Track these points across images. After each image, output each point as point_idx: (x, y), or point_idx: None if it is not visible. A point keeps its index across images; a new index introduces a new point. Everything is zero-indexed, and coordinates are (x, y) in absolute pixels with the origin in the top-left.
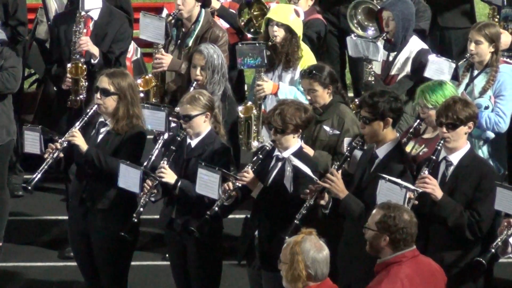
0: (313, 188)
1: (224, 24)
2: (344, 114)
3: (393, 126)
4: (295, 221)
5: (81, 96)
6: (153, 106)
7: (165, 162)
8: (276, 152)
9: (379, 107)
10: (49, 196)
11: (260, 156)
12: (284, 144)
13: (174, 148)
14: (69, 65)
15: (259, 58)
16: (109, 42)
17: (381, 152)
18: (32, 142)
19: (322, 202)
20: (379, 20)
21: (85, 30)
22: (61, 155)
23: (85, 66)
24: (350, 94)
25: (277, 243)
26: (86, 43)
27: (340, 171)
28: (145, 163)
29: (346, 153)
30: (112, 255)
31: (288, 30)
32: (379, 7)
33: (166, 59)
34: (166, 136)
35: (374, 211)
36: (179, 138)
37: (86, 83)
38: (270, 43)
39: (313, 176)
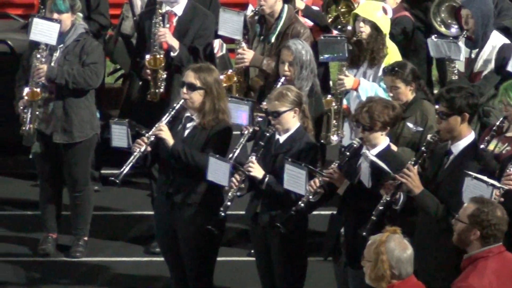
0: (391, 184)
1: (309, 23)
2: (428, 111)
3: (469, 122)
4: (372, 217)
5: (161, 89)
6: (237, 100)
7: (253, 157)
8: (364, 150)
9: (456, 102)
10: (135, 191)
11: (347, 153)
12: (372, 141)
13: (262, 143)
14: (147, 56)
15: (340, 51)
16: (191, 38)
17: (456, 148)
18: (119, 136)
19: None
20: (458, 18)
21: (168, 25)
22: (149, 149)
23: (163, 57)
24: (436, 91)
25: (364, 240)
26: (164, 35)
27: (416, 167)
28: (229, 156)
29: (422, 148)
30: (199, 250)
31: (374, 27)
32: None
33: (247, 54)
34: (251, 130)
35: (466, 204)
36: (267, 134)
37: (165, 75)
38: (355, 38)
39: (390, 171)
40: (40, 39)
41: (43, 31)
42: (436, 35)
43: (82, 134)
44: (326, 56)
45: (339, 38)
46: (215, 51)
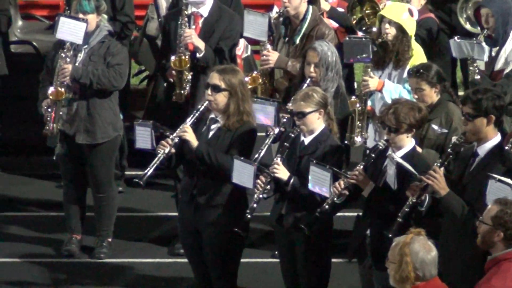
0: (416, 186)
1: (334, 24)
2: (453, 112)
3: (495, 125)
4: (398, 218)
5: (186, 90)
6: (263, 100)
7: (279, 159)
8: (390, 152)
9: (482, 104)
10: (159, 192)
11: (373, 155)
12: (398, 143)
13: (287, 145)
14: (173, 57)
15: (365, 52)
16: (216, 39)
17: (482, 150)
18: (143, 137)
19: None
20: (477, 18)
21: (193, 26)
22: (173, 150)
23: (188, 58)
24: (461, 93)
25: (389, 242)
26: (190, 36)
27: (442, 169)
28: (255, 157)
29: (448, 150)
30: (223, 252)
31: (400, 29)
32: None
33: (272, 56)
34: (276, 131)
35: (490, 206)
36: (292, 135)
37: (190, 77)
38: (380, 40)
39: (416, 173)
40: (66, 38)
41: (70, 30)
42: (458, 36)
43: (105, 135)
44: (351, 57)
45: (364, 39)
46: (240, 52)
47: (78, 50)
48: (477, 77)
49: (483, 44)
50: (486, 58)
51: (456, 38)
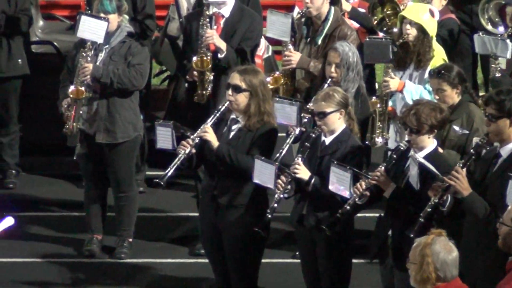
0: (439, 186)
1: (355, 25)
2: (474, 113)
3: None
4: (420, 219)
5: (208, 91)
6: (285, 100)
7: (300, 159)
8: (412, 152)
9: (505, 105)
10: (180, 192)
11: (394, 156)
12: (419, 144)
13: (308, 145)
14: (194, 58)
15: (385, 53)
16: (238, 40)
17: (505, 151)
18: (164, 138)
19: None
20: (503, 16)
21: (215, 27)
22: (194, 151)
23: (210, 59)
24: (482, 93)
25: (411, 243)
26: (212, 36)
27: (464, 169)
28: (276, 157)
29: (471, 151)
30: (243, 252)
31: (421, 29)
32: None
33: (294, 56)
34: (297, 131)
35: (510, 207)
36: (313, 135)
37: (212, 77)
38: (401, 40)
39: (439, 174)
40: (87, 37)
41: (91, 28)
42: (483, 32)
43: (125, 134)
44: (371, 58)
45: (384, 40)
46: (261, 53)
47: (99, 49)
48: (498, 74)
49: (507, 41)
50: (509, 55)
51: (480, 33)
